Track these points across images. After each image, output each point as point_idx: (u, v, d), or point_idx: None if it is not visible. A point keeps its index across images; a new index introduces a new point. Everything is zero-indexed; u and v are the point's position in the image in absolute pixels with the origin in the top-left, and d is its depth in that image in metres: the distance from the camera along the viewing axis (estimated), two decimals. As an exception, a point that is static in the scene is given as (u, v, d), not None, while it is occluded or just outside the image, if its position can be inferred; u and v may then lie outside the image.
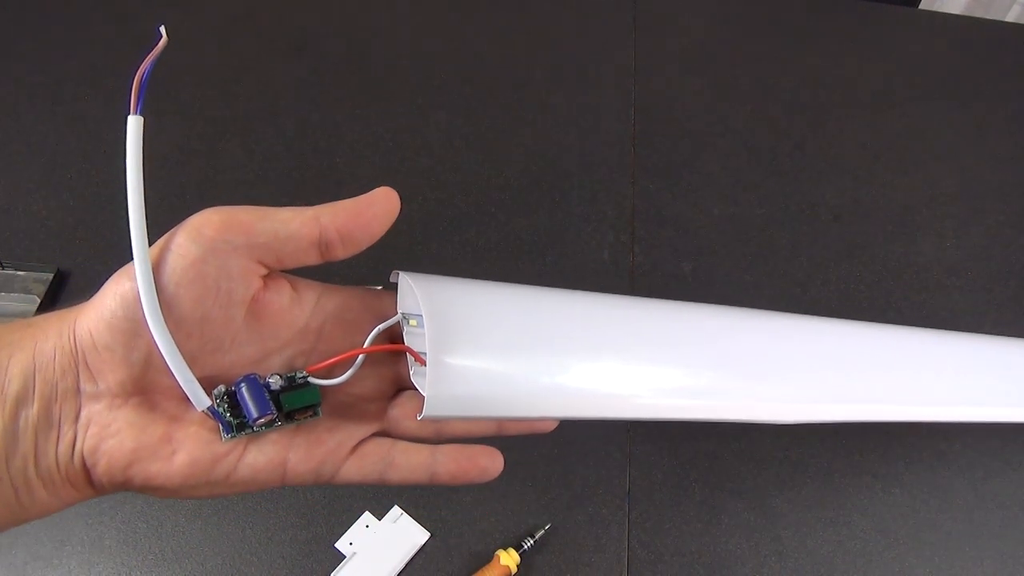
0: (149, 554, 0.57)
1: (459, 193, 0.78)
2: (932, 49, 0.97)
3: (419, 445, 0.31)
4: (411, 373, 0.31)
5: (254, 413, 0.28)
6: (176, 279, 0.26)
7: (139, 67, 0.27)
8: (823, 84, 0.91)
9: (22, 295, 0.67)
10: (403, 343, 0.31)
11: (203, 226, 0.27)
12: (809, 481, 0.64)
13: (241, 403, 0.28)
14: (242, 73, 0.86)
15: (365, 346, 0.30)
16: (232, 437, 0.28)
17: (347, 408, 0.31)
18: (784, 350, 0.41)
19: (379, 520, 0.59)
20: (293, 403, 0.29)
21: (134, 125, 0.27)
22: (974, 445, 0.66)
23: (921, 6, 1.08)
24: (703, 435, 0.65)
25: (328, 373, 0.30)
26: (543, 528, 0.59)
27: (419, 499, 0.60)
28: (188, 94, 0.83)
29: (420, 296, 0.30)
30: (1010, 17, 1.07)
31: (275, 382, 0.28)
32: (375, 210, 0.29)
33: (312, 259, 0.29)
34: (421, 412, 0.29)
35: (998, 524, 0.62)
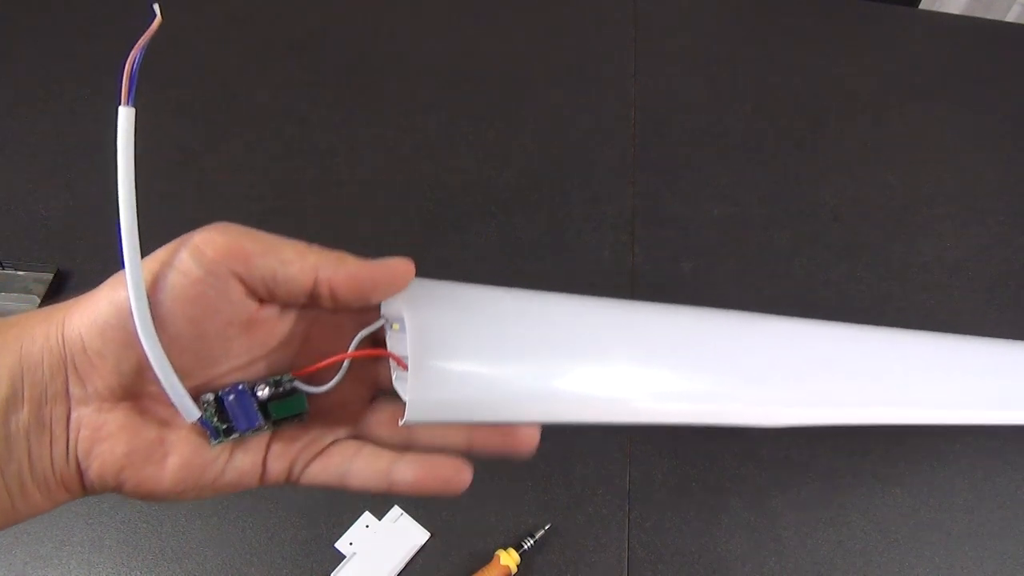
0: (149, 554, 0.57)
1: (459, 193, 0.78)
2: (932, 49, 0.97)
3: (382, 451, 0.30)
4: (393, 378, 0.31)
5: (243, 425, 0.28)
6: (175, 296, 0.26)
7: (130, 53, 0.26)
8: (823, 84, 0.91)
9: (22, 295, 0.67)
10: (386, 347, 0.31)
11: (206, 246, 0.27)
12: (809, 481, 0.64)
13: (230, 412, 0.28)
14: (242, 73, 0.86)
15: (349, 351, 0.30)
16: (220, 442, 0.28)
17: (323, 409, 0.31)
18: (777, 353, 0.41)
19: (379, 520, 0.59)
20: (281, 412, 0.29)
21: (125, 117, 0.26)
22: (974, 445, 0.66)
23: (921, 6, 1.09)
24: (703, 435, 0.65)
25: (312, 376, 0.30)
26: (543, 528, 0.59)
27: (419, 499, 0.60)
28: (188, 94, 0.83)
29: (402, 300, 0.30)
30: (1010, 17, 1.07)
31: (263, 392, 0.28)
32: (379, 280, 0.28)
33: (302, 303, 0.29)
34: (403, 417, 0.29)
35: (998, 524, 0.62)
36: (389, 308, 0.31)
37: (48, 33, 0.87)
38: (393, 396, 0.31)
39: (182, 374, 0.27)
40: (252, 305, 0.28)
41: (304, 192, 0.76)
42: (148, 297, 0.26)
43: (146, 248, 0.27)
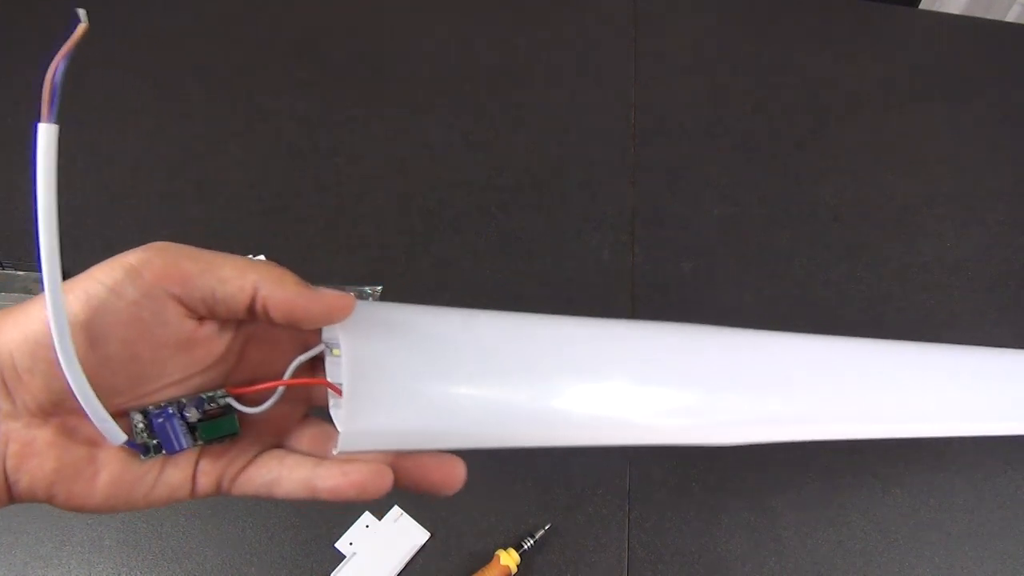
0: (149, 554, 0.57)
1: (459, 193, 0.78)
2: (932, 49, 0.97)
3: (303, 459, 0.30)
4: (330, 404, 0.31)
5: (171, 447, 0.28)
6: (109, 319, 0.26)
7: (50, 65, 0.23)
8: (823, 84, 0.91)
9: (22, 295, 0.67)
10: (325, 370, 0.31)
11: (143, 268, 0.26)
12: (809, 481, 0.64)
13: (158, 432, 0.28)
14: (242, 73, 0.86)
15: (286, 377, 0.30)
16: (150, 458, 0.28)
17: (254, 424, 0.31)
18: (744, 367, 0.40)
19: (379, 520, 0.59)
20: (210, 435, 0.29)
21: (46, 135, 0.23)
22: (974, 445, 0.66)
23: (921, 6, 1.09)
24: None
25: (246, 393, 0.30)
26: (543, 528, 0.59)
27: (419, 499, 0.60)
28: (188, 94, 0.83)
29: (340, 327, 0.29)
30: (1010, 17, 1.07)
31: (191, 415, 0.28)
32: (312, 311, 0.28)
33: (241, 318, 0.29)
34: (336, 447, 0.29)
35: (998, 524, 0.62)
36: (330, 333, 0.31)
37: (48, 33, 0.87)
38: (326, 415, 0.32)
39: (114, 393, 0.27)
40: (190, 325, 0.28)
41: (304, 192, 0.76)
42: (81, 319, 0.25)
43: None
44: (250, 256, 0.28)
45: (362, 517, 0.59)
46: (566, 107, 0.86)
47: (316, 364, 0.32)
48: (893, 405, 0.46)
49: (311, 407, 0.32)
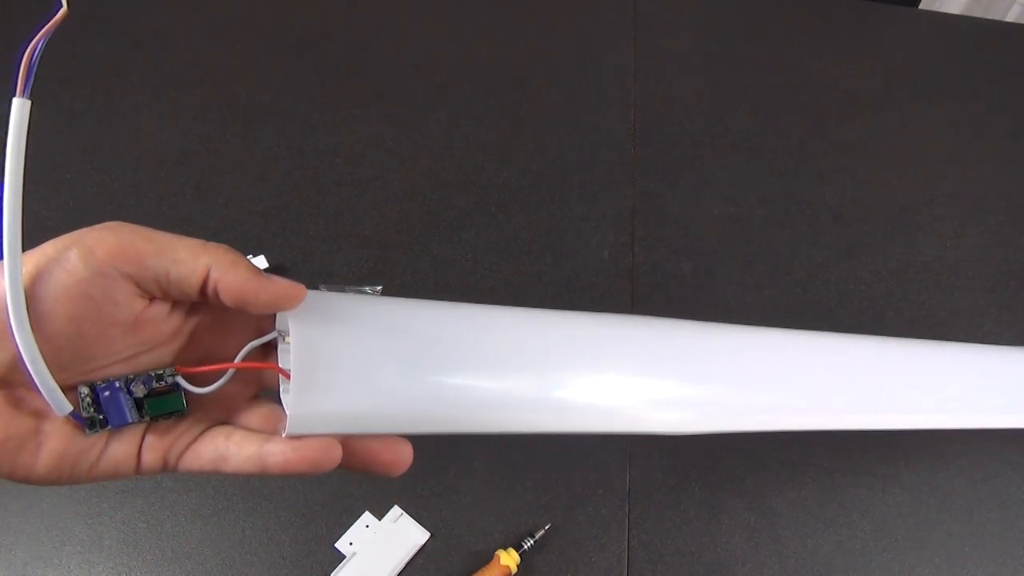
0: (149, 554, 0.57)
1: (459, 193, 0.78)
2: (932, 49, 0.97)
3: (251, 436, 0.30)
4: (280, 390, 0.31)
5: (116, 421, 0.28)
6: (56, 295, 0.26)
7: (29, 42, 0.25)
8: (823, 84, 0.91)
9: None
10: (278, 356, 0.32)
11: (96, 246, 0.27)
12: (809, 481, 0.64)
13: (104, 406, 0.28)
14: (242, 73, 0.86)
15: (237, 360, 0.30)
16: (95, 432, 0.28)
17: (203, 402, 0.31)
18: (710, 361, 0.41)
19: (379, 520, 0.59)
20: (156, 410, 0.29)
21: (19, 109, 0.25)
22: (974, 445, 0.66)
23: (921, 6, 1.09)
24: (703, 435, 0.65)
25: (195, 372, 0.30)
26: (543, 528, 0.59)
27: (419, 499, 0.60)
28: (188, 94, 0.83)
29: (291, 314, 0.30)
30: (1010, 17, 1.07)
31: (139, 389, 0.29)
32: (262, 297, 0.28)
33: (194, 300, 0.29)
34: (284, 430, 0.29)
35: (998, 524, 0.62)
36: (283, 320, 0.31)
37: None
38: (274, 395, 0.32)
39: (59, 367, 0.27)
40: (140, 304, 0.28)
41: (304, 192, 0.76)
42: (28, 292, 0.26)
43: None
44: (206, 241, 0.29)
45: (362, 517, 0.59)
46: (566, 107, 0.86)
47: (270, 349, 0.32)
48: (886, 397, 0.46)
49: (261, 389, 0.33)
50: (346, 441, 0.31)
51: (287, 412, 0.29)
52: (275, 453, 0.29)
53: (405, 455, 0.32)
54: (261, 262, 0.69)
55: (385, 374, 0.31)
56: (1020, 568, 0.61)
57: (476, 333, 0.34)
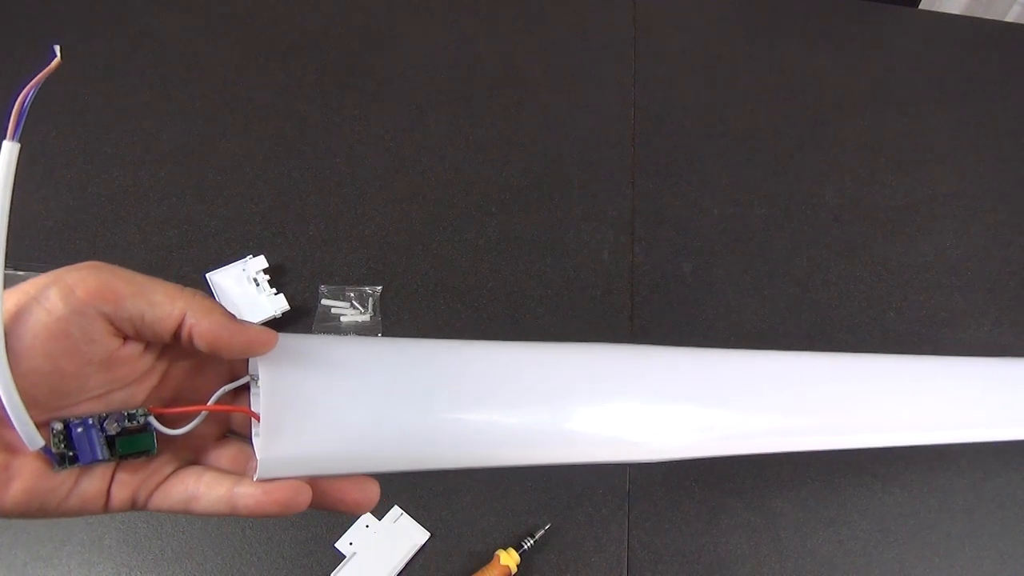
0: (149, 554, 0.57)
1: (459, 193, 0.78)
2: (932, 49, 0.97)
3: (222, 477, 0.30)
4: (252, 433, 0.32)
5: (87, 457, 0.28)
6: (36, 332, 0.26)
7: (23, 88, 0.26)
8: (823, 84, 0.91)
9: None
10: (250, 400, 0.32)
11: (76, 286, 0.27)
12: (809, 481, 0.64)
13: (76, 442, 0.28)
14: (242, 73, 0.86)
15: (210, 403, 0.31)
16: (64, 468, 0.28)
17: (172, 442, 0.31)
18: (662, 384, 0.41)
19: (379, 520, 0.59)
20: (127, 449, 0.29)
21: (8, 151, 0.26)
22: (974, 445, 0.66)
23: (921, 6, 1.09)
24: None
25: (166, 412, 0.30)
26: (543, 528, 0.59)
27: (419, 499, 0.60)
28: (188, 94, 0.83)
29: (261, 360, 0.30)
30: (1010, 17, 1.07)
31: (112, 427, 0.29)
32: (235, 344, 0.29)
33: (167, 342, 0.29)
34: (255, 474, 0.30)
35: (998, 524, 0.62)
36: (255, 364, 0.32)
37: (48, 32, 0.87)
38: (245, 436, 0.33)
39: (34, 403, 0.27)
40: (115, 343, 0.28)
41: (304, 192, 0.76)
42: (8, 329, 0.26)
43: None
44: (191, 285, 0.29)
45: (362, 517, 0.59)
46: (566, 107, 0.86)
47: (242, 390, 0.33)
48: (883, 416, 0.47)
49: (229, 429, 0.33)
50: (315, 481, 0.31)
51: (257, 456, 0.30)
52: (246, 496, 0.30)
53: (372, 493, 0.33)
54: (261, 262, 0.69)
55: (355, 417, 0.32)
56: (1020, 568, 0.61)
57: (446, 371, 0.35)
